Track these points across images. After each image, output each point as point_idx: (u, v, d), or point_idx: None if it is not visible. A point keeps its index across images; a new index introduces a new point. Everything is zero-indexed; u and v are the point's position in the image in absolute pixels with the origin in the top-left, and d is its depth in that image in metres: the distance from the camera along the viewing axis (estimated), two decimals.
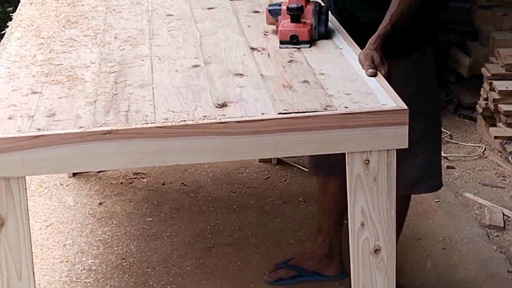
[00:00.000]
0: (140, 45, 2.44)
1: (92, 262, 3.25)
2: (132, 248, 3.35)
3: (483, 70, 4.31)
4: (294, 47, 2.32)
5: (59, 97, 2.04)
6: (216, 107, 1.95)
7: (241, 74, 2.17)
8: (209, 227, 3.49)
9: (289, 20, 2.36)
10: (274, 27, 2.48)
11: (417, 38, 2.59)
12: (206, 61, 2.28)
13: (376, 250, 2.01)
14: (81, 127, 1.85)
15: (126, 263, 3.24)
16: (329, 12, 2.49)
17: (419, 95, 2.61)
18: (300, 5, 2.35)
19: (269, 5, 2.50)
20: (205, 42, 2.46)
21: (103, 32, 2.56)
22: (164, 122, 1.87)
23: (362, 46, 2.28)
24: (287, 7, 2.37)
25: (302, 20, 2.36)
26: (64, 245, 3.38)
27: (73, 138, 1.83)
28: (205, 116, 1.90)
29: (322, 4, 2.47)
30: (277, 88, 2.06)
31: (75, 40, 2.48)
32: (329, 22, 2.45)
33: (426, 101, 2.66)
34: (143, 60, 2.30)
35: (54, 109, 1.96)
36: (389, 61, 2.23)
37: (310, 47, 2.32)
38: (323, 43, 2.40)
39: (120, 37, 2.51)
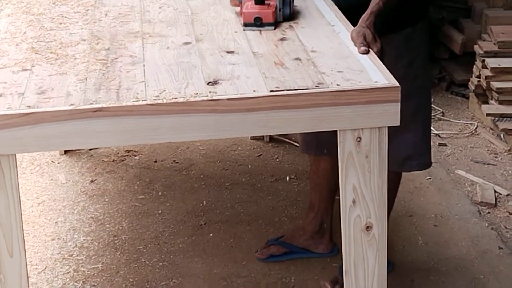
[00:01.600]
0: (131, 22, 2.43)
1: (84, 240, 3.26)
2: (124, 225, 3.35)
3: (476, 47, 4.31)
4: (258, 29, 2.29)
5: (50, 74, 2.03)
6: (208, 84, 1.95)
7: (233, 52, 2.16)
8: (201, 205, 3.50)
9: (253, 2, 2.33)
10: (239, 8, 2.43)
11: (409, 14, 2.59)
12: (197, 38, 2.27)
13: (368, 227, 2.01)
14: (71, 105, 1.85)
15: (118, 241, 3.25)
16: None
17: (411, 72, 2.62)
18: None
19: None
20: (196, 19, 2.44)
21: (93, 8, 2.55)
22: (155, 100, 1.86)
23: (354, 25, 2.27)
24: None
25: (266, 2, 2.33)
26: (55, 222, 3.38)
27: (64, 116, 1.82)
28: (197, 93, 1.89)
29: None
30: (269, 66, 2.05)
31: (66, 17, 2.47)
32: (293, 4, 2.42)
33: (418, 78, 2.66)
34: (134, 37, 2.29)
35: (45, 87, 1.95)
36: (381, 38, 2.22)
37: (274, 29, 2.29)
38: (315, 21, 2.39)
39: (111, 14, 2.50)
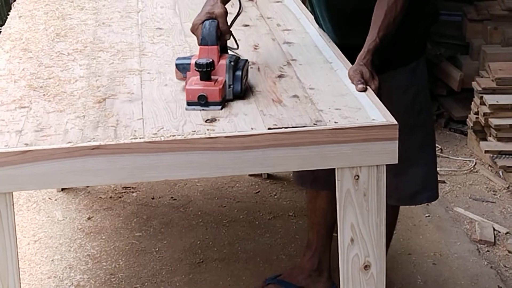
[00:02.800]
0: (129, 59, 2.44)
1: (80, 278, 3.24)
2: (121, 263, 3.34)
3: (474, 84, 4.32)
4: (203, 109, 2.03)
5: (48, 111, 2.04)
6: (205, 122, 1.96)
7: None
8: (198, 242, 3.49)
9: (199, 77, 2.07)
10: (184, 83, 2.18)
11: (411, 49, 2.61)
12: None
13: (366, 267, 2.01)
14: (69, 142, 1.85)
15: (115, 279, 3.23)
16: (248, 67, 2.23)
17: (416, 106, 2.64)
18: (211, 60, 2.06)
19: (178, 59, 2.21)
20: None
21: (92, 45, 2.57)
22: (153, 137, 1.87)
23: (352, 62, 2.28)
24: (195, 63, 2.06)
25: (213, 77, 2.08)
26: (52, 260, 3.36)
27: (61, 154, 1.83)
28: (194, 131, 1.90)
29: (241, 58, 2.20)
30: (266, 103, 2.06)
31: (64, 54, 2.48)
32: (247, 79, 2.19)
33: (423, 111, 2.68)
34: (132, 74, 2.30)
35: (42, 124, 1.96)
36: (383, 74, 2.23)
37: (221, 109, 2.03)
38: (313, 58, 2.40)
39: (109, 50, 2.51)
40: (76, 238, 3.53)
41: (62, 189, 3.94)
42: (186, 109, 2.03)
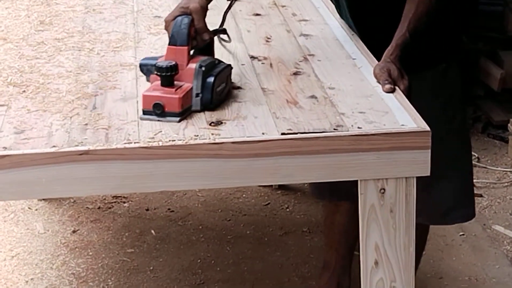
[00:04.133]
0: (123, 51, 2.44)
1: None
2: (110, 283, 3.34)
3: None
4: (158, 120, 1.97)
5: (29, 111, 2.04)
6: (210, 125, 1.95)
7: (239, 87, 2.17)
8: (199, 261, 3.49)
9: (159, 83, 2.02)
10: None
11: (442, 47, 2.60)
12: None
13: None
14: (54, 146, 1.85)
15: None
16: (231, 73, 2.17)
17: (448, 113, 2.63)
18: (174, 63, 2.01)
19: (144, 59, 2.17)
20: None
21: (80, 35, 2.57)
22: (150, 142, 1.87)
23: (378, 59, 2.28)
24: (155, 65, 2.01)
25: (177, 83, 2.02)
26: (31, 279, 3.37)
27: (45, 159, 1.82)
28: (197, 135, 1.89)
29: (217, 61, 2.14)
30: (280, 104, 2.06)
31: (48, 44, 2.48)
32: (228, 89, 2.12)
33: (456, 118, 2.68)
34: (126, 69, 2.30)
35: (23, 125, 1.96)
36: (411, 75, 2.23)
37: (179, 121, 1.97)
38: (333, 53, 2.40)
39: (100, 41, 2.51)
40: (59, 254, 3.53)
41: (44, 198, 3.94)
42: (141, 119, 1.99)
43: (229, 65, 2.16)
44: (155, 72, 2.02)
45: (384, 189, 1.94)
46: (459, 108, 2.70)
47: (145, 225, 3.76)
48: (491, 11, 4.90)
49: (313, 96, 2.11)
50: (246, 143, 1.88)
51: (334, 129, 1.93)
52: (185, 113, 2.00)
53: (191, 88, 2.03)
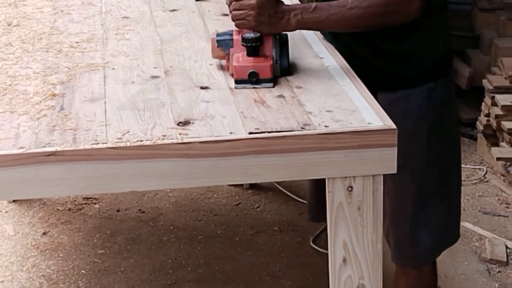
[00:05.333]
0: (91, 52, 2.44)
1: None
2: (81, 285, 3.33)
3: (485, 82, 4.35)
4: (254, 87, 2.14)
5: None
6: (178, 125, 1.95)
7: (207, 87, 2.17)
8: (170, 261, 3.48)
9: (245, 53, 2.18)
10: (223, 61, 2.30)
11: (423, 66, 2.42)
12: (167, 71, 2.28)
13: None
14: (21, 148, 1.84)
15: None
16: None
17: (434, 138, 2.42)
18: (259, 34, 2.17)
19: (217, 35, 2.27)
20: (166, 49, 2.46)
21: (48, 36, 2.56)
22: (117, 143, 1.86)
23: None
24: (243, 37, 2.17)
25: (260, 52, 2.19)
26: (1, 281, 3.35)
27: (12, 161, 1.82)
28: (165, 135, 1.89)
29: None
30: (248, 104, 2.06)
31: (15, 45, 2.47)
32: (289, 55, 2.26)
33: (442, 144, 2.45)
34: (94, 70, 2.30)
35: None
36: (394, 95, 2.18)
37: (273, 86, 2.15)
38: (301, 52, 2.40)
39: (68, 42, 2.51)
40: (30, 256, 3.52)
41: (14, 200, 3.93)
42: (235, 88, 2.14)
43: (287, 34, 2.26)
44: (242, 44, 2.16)
45: (351, 187, 1.95)
46: (447, 133, 2.47)
47: (116, 226, 3.75)
48: (459, 10, 4.93)
49: (280, 96, 2.11)
50: (214, 143, 1.88)
51: (302, 128, 1.93)
52: (275, 79, 2.17)
53: (272, 56, 2.18)
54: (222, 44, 2.24)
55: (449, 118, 2.48)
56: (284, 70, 2.21)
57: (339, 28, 2.28)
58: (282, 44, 2.21)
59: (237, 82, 2.15)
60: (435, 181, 2.45)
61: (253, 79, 2.14)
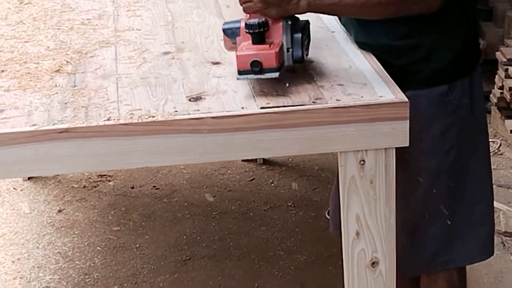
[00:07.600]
0: (102, 29, 2.44)
1: (50, 279, 3.25)
2: (97, 261, 3.34)
3: (498, 54, 4.33)
4: (258, 78, 1.99)
5: (8, 90, 2.03)
6: (190, 101, 1.95)
7: (219, 63, 2.17)
8: (184, 237, 3.49)
9: (250, 42, 2.02)
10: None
11: (436, 66, 2.17)
12: (178, 47, 2.28)
13: (374, 263, 2.01)
14: (33, 125, 1.85)
15: (89, 279, 3.24)
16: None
17: (442, 145, 2.22)
18: (264, 19, 2.00)
19: (225, 23, 2.14)
20: (177, 25, 2.46)
21: (59, 14, 2.56)
22: (129, 119, 1.86)
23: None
24: (246, 24, 2.01)
25: (268, 40, 2.02)
26: (18, 259, 3.37)
27: (25, 138, 1.82)
28: (177, 111, 1.89)
29: (295, 17, 2.08)
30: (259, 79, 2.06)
31: (27, 23, 2.48)
32: (309, 44, 2.11)
33: (452, 152, 2.23)
34: (105, 46, 2.30)
35: (3, 105, 1.95)
36: (411, 92, 2.01)
37: (279, 76, 1.98)
38: (312, 26, 2.38)
39: (79, 20, 2.51)
40: (45, 234, 3.54)
41: (29, 178, 3.95)
42: (238, 79, 1.99)
43: (308, 21, 2.11)
44: (246, 31, 2.01)
45: (363, 161, 1.95)
46: (461, 140, 2.23)
47: (131, 203, 3.77)
48: None
49: (292, 70, 2.11)
50: (226, 118, 1.88)
51: (313, 102, 1.93)
52: (281, 68, 2.00)
53: (282, 44, 2.02)
54: (229, 34, 2.11)
55: (468, 125, 2.23)
56: (298, 59, 2.04)
57: (354, 13, 2.11)
58: (295, 31, 2.03)
59: (239, 72, 1.98)
60: (443, 191, 2.24)
61: (256, 69, 1.96)
